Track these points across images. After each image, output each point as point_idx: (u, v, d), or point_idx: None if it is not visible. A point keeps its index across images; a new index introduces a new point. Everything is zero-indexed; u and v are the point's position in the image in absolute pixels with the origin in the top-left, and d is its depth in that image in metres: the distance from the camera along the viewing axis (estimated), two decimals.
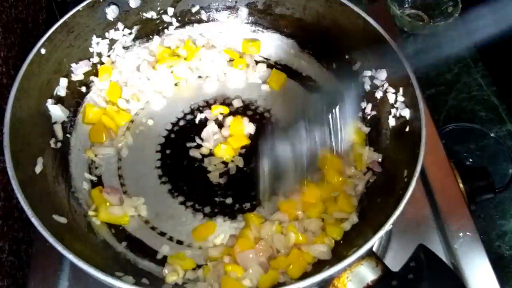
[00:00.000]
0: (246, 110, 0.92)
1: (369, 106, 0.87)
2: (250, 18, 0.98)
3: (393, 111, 0.82)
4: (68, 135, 0.84)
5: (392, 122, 0.82)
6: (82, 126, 0.87)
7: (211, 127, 0.88)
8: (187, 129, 0.89)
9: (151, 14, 0.93)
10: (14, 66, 0.85)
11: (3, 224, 0.76)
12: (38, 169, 0.72)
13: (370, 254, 0.61)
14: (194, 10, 0.97)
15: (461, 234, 0.81)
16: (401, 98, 0.80)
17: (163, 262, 0.74)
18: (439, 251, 0.81)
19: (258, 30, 0.98)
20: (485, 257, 0.79)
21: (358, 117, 0.88)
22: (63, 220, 0.68)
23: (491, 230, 1.00)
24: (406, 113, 0.78)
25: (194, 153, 0.86)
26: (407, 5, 1.29)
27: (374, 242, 0.61)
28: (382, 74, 0.84)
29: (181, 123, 0.90)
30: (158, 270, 0.73)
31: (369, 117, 0.87)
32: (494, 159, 1.08)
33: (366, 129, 0.87)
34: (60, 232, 0.65)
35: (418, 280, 0.56)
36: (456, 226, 0.82)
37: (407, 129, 0.77)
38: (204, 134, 0.87)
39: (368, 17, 0.83)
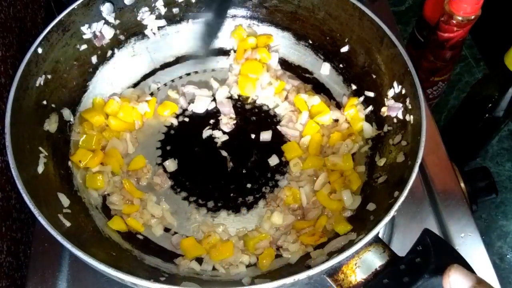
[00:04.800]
0: (244, 104, 0.92)
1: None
2: (246, 12, 0.96)
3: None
4: (69, 134, 0.83)
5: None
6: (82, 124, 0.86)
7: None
8: (187, 125, 0.89)
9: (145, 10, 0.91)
10: (12, 66, 0.84)
11: (1, 224, 0.76)
12: (40, 169, 0.72)
13: (376, 240, 0.62)
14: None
15: (462, 235, 0.81)
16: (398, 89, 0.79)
17: (168, 257, 0.74)
18: None
19: (253, 24, 0.96)
20: (487, 258, 0.79)
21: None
22: (66, 221, 0.68)
23: (492, 231, 1.00)
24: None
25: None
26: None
27: (380, 229, 0.61)
28: None
29: (180, 119, 0.90)
30: (165, 266, 0.73)
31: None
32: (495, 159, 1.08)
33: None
34: (66, 231, 0.65)
35: (426, 263, 0.56)
36: (457, 226, 0.81)
37: (408, 121, 0.76)
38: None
39: (364, 7, 0.81)
